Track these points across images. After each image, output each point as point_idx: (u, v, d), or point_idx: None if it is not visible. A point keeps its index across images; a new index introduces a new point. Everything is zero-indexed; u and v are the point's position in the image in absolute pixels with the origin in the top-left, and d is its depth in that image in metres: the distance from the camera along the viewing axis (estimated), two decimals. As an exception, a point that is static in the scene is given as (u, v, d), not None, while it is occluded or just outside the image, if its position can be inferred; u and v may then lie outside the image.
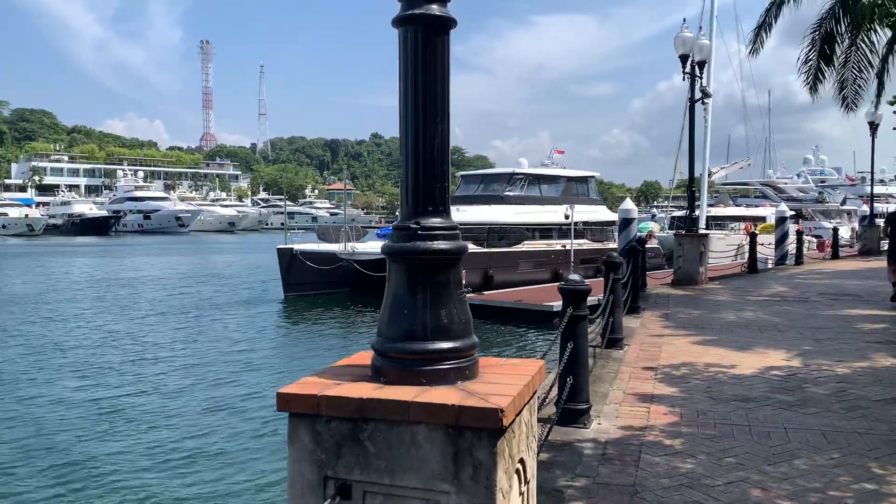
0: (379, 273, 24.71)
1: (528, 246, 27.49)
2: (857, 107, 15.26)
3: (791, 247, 25.50)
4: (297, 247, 26.27)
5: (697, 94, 15.69)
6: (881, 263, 23.37)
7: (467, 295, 15.72)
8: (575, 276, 5.76)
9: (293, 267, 25.90)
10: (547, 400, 5.57)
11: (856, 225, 49.48)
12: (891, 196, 68.40)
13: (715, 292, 14.78)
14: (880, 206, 52.02)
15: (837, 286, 15.79)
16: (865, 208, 49.44)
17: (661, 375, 7.03)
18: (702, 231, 17.13)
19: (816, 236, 39.30)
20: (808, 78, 14.41)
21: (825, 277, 18.25)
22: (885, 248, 14.31)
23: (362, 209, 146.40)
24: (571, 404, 5.29)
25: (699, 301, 13.21)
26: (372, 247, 25.96)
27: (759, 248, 20.60)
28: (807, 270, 20.90)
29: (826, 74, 14.30)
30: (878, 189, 70.90)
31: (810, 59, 14.06)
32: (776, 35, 14.98)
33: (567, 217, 26.41)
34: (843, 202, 60.02)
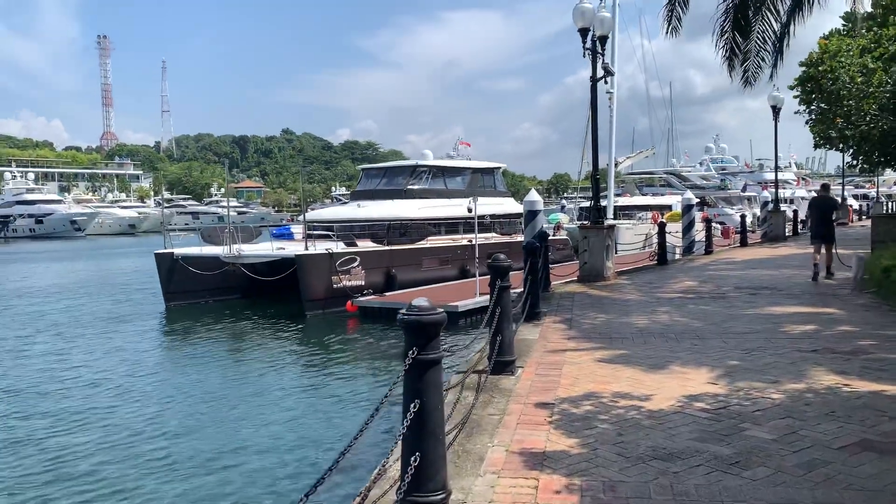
0: (271, 277, 22.73)
1: (432, 242, 25.80)
2: (754, 81, 14.22)
3: (699, 235, 24.83)
4: (177, 251, 23.75)
5: (600, 72, 14.30)
6: (790, 250, 22.89)
7: (367, 297, 13.93)
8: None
9: (175, 273, 23.41)
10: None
11: (757, 211, 50.30)
12: (786, 182, 70.49)
13: (624, 289, 13.42)
14: (779, 193, 53.06)
15: (752, 278, 14.71)
16: (766, 194, 50.32)
17: (559, 416, 5.38)
18: (609, 222, 15.77)
19: (720, 223, 39.42)
20: (725, 53, 13.19)
21: (737, 268, 17.26)
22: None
23: (273, 207, 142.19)
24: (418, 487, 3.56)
25: (607, 302, 11.76)
26: (262, 248, 23.72)
27: (667, 237, 19.62)
28: (717, 260, 19.99)
29: (742, 48, 13.12)
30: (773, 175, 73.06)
31: (726, 31, 12.82)
32: (671, 37, 13.83)
33: (470, 210, 24.85)
34: (744, 189, 61.17)
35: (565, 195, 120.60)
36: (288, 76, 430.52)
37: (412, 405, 3.46)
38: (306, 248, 21.20)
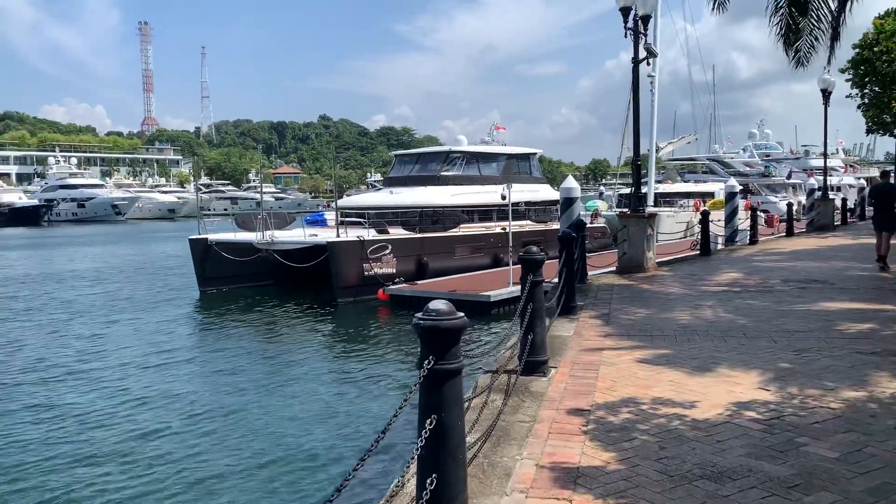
0: (303, 264, 22.51)
1: (465, 230, 25.33)
2: (807, 62, 13.44)
3: (742, 224, 24.00)
4: (211, 237, 23.69)
5: (642, 53, 13.65)
6: (839, 240, 21.98)
7: (398, 285, 13.57)
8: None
9: (209, 259, 23.37)
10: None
11: (802, 199, 48.91)
12: (833, 169, 68.48)
13: (664, 282, 12.83)
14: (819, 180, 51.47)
15: (801, 270, 14.00)
16: (812, 181, 48.80)
17: (595, 425, 4.92)
18: (649, 210, 15.14)
19: (764, 211, 38.36)
20: (779, 30, 12.45)
21: (784, 259, 16.51)
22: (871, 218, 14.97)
23: (310, 193, 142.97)
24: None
25: (647, 295, 11.22)
26: (294, 235, 23.53)
27: (710, 226, 18.90)
28: (762, 251, 19.21)
29: (797, 24, 12.37)
30: (820, 162, 70.99)
31: (781, 6, 12.07)
32: (717, 14, 13.12)
33: (504, 198, 24.31)
34: (789, 176, 59.49)
35: (604, 181, 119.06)
36: (325, 62, 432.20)
37: (428, 421, 3.05)
38: (338, 236, 20.92)
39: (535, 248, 6.42)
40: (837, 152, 79.73)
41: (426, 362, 3.05)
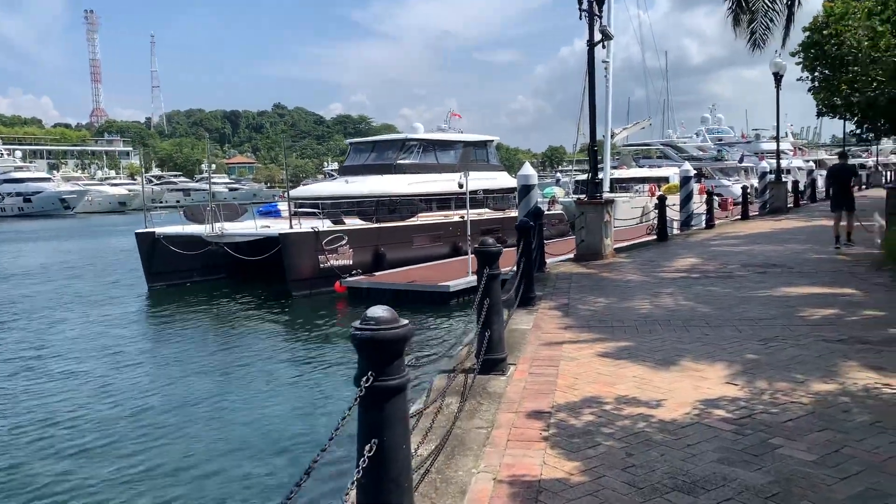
0: (256, 257, 21.88)
1: (423, 219, 24.92)
2: (763, 44, 13.36)
3: (697, 208, 24.08)
4: (159, 230, 22.89)
5: (597, 36, 13.36)
6: (793, 223, 22.12)
7: (356, 277, 13.10)
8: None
9: (156, 253, 22.58)
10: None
11: (754, 182, 49.65)
12: (783, 152, 69.64)
13: (623, 269, 12.61)
14: (772, 163, 52.34)
15: (759, 254, 13.92)
16: (764, 165, 49.52)
17: (556, 429, 4.59)
18: (606, 196, 14.90)
19: (717, 194, 38.71)
20: (731, 9, 12.27)
21: (741, 243, 16.47)
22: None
23: (265, 183, 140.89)
24: None
25: (606, 283, 10.96)
26: (246, 227, 22.85)
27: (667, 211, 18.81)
28: (719, 235, 19.18)
29: (749, 5, 12.21)
30: (770, 146, 72.19)
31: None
32: (668, 0, 12.95)
33: (461, 186, 23.93)
34: (741, 159, 60.29)
35: (560, 168, 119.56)
36: (280, 50, 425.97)
37: (368, 447, 2.66)
38: (291, 227, 20.36)
39: (490, 240, 6.06)
40: (787, 136, 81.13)
41: (364, 379, 2.66)
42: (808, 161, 73.45)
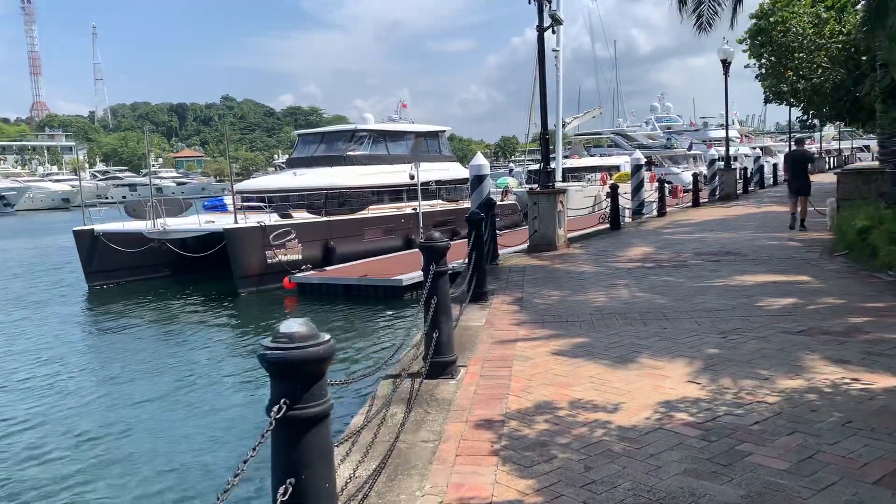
0: (200, 253, 21.11)
1: (374, 211, 24.40)
2: (710, 27, 13.24)
3: (649, 196, 24.11)
4: (98, 227, 21.94)
5: (547, 21, 13.03)
6: (743, 209, 22.21)
7: (305, 273, 12.58)
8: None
9: (96, 251, 21.63)
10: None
11: (703, 169, 50.26)
12: (730, 140, 70.72)
13: (577, 259, 12.34)
14: (720, 150, 53.14)
15: (712, 242, 13.80)
16: (713, 152, 50.13)
17: (509, 441, 4.21)
18: (559, 185, 14.62)
19: (667, 182, 39.05)
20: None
21: (693, 231, 16.38)
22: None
23: (214, 176, 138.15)
24: None
25: (560, 275, 10.65)
26: (189, 222, 22.04)
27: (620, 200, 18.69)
28: (671, 223, 19.11)
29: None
30: (718, 133, 73.37)
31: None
32: None
33: (412, 177, 23.49)
34: (690, 147, 61.06)
35: (513, 158, 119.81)
36: (227, 40, 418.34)
37: (282, 488, 2.23)
38: (235, 221, 19.68)
39: (436, 234, 5.65)
40: (733, 123, 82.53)
41: (277, 408, 2.22)
42: (754, 148, 74.81)
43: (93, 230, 21.63)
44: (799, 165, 14.98)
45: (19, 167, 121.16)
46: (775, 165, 40.07)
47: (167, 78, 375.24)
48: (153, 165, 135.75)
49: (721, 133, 73.38)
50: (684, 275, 9.98)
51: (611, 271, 10.74)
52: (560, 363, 5.84)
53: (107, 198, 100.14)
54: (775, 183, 37.45)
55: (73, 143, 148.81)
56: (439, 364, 5.54)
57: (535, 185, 14.36)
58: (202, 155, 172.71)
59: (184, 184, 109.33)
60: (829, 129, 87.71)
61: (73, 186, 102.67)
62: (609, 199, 18.10)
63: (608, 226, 17.87)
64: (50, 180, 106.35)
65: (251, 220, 19.97)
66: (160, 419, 9.70)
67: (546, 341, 6.58)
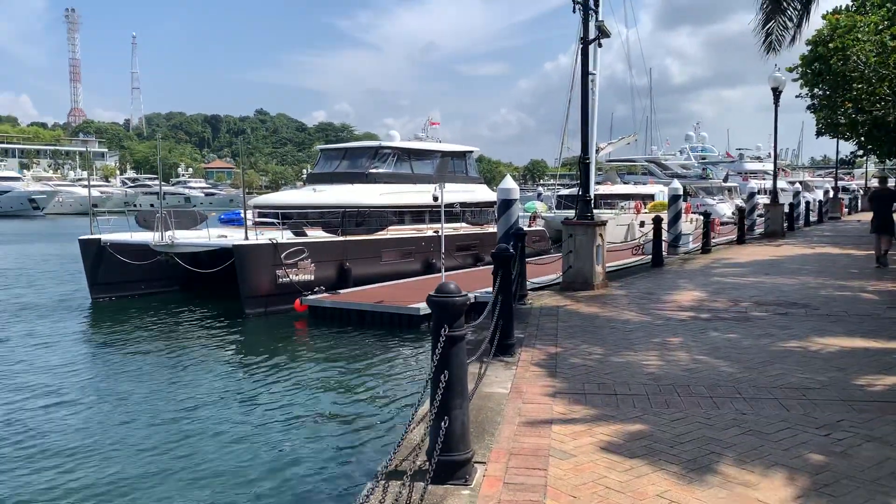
0: (210, 269, 19.85)
1: (393, 232, 23.00)
2: (780, 47, 11.97)
3: (685, 227, 22.59)
4: (105, 237, 20.80)
5: (592, 33, 11.62)
6: (794, 249, 20.43)
7: (318, 295, 11.03)
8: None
9: (102, 262, 20.48)
10: None
11: (739, 202, 48.58)
12: (766, 173, 68.89)
13: (618, 303, 10.78)
14: (757, 183, 51.39)
15: (771, 288, 12.16)
16: (752, 185, 48.29)
17: None
18: (599, 217, 13.11)
19: (704, 213, 37.44)
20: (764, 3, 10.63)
21: (746, 272, 14.73)
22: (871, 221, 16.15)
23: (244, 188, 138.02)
24: None
25: (600, 324, 9.11)
26: (200, 236, 20.80)
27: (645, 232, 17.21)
28: (717, 261, 17.43)
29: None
30: (754, 166, 71.35)
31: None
32: (652, 20, 11.58)
33: (436, 199, 22.08)
34: (726, 179, 59.22)
35: (542, 182, 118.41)
36: (263, 55, 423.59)
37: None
38: (246, 237, 18.40)
39: (452, 285, 4.15)
40: (769, 156, 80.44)
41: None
42: (792, 183, 72.65)
43: (99, 240, 20.51)
44: (883, 204, 15.38)
45: (51, 171, 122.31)
46: (820, 202, 38.12)
47: (203, 90, 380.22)
48: (183, 175, 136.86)
49: (757, 166, 71.50)
50: (749, 332, 8.39)
51: (660, 322, 9.17)
52: (612, 466, 4.31)
53: (135, 205, 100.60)
54: (820, 220, 35.50)
55: (106, 150, 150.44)
56: (448, 464, 4.04)
57: (568, 212, 12.84)
58: (232, 166, 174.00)
59: (212, 195, 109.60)
60: (870, 167, 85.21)
61: (102, 192, 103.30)
62: (648, 231, 16.52)
63: (645, 259, 16.28)
64: (80, 185, 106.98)
65: (263, 236, 18.71)
66: (146, 448, 8.33)
67: (591, 426, 5.05)
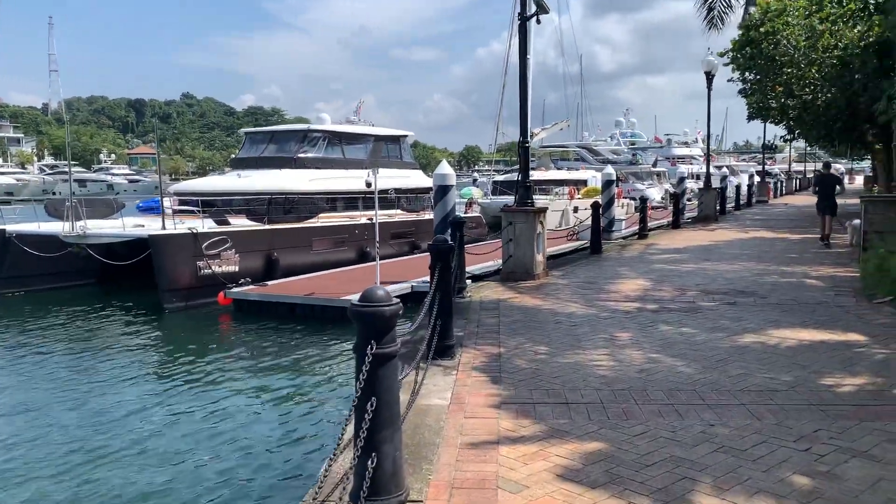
0: (126, 261, 18.53)
1: (324, 220, 22.03)
2: (723, 24, 11.70)
3: (619, 213, 22.44)
4: (9, 227, 19.24)
5: (531, 9, 10.95)
6: (729, 233, 20.31)
7: (243, 287, 9.96)
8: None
9: (8, 255, 18.91)
10: None
11: (668, 186, 49.19)
12: (693, 158, 70.15)
13: (560, 294, 10.21)
14: (686, 168, 52.14)
15: (714, 275, 11.80)
16: (682, 169, 48.83)
17: None
18: (539, 204, 12.50)
19: (633, 198, 37.74)
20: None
21: (686, 258, 14.41)
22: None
23: (169, 175, 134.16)
24: None
25: (544, 317, 8.49)
26: (112, 227, 19.40)
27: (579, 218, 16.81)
28: (654, 246, 17.09)
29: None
30: (682, 151, 72.54)
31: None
32: (582, 7, 11.10)
33: (369, 185, 21.21)
34: (655, 164, 59.93)
35: (477, 168, 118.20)
36: (190, 38, 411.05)
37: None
38: (163, 227, 17.21)
39: (381, 293, 3.38)
40: (696, 141, 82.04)
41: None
42: (720, 167, 74.11)
43: (4, 231, 18.95)
44: (827, 187, 16.58)
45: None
46: (749, 185, 38.70)
47: (126, 73, 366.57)
48: (105, 161, 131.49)
49: (685, 151, 72.69)
50: (701, 324, 7.90)
51: (607, 314, 8.60)
52: (572, 500, 3.65)
53: (54, 193, 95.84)
54: (749, 204, 36.01)
55: (22, 135, 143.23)
56: (377, 511, 3.31)
57: (512, 203, 12.19)
58: (155, 151, 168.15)
59: (137, 181, 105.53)
60: (787, 151, 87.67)
61: (18, 180, 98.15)
62: (587, 218, 16.07)
63: (581, 244, 15.86)
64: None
65: (182, 225, 17.54)
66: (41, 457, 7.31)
67: (543, 446, 4.38)
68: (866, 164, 62.54)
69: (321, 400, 9.76)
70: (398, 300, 3.40)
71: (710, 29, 11.37)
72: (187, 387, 10.64)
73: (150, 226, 18.64)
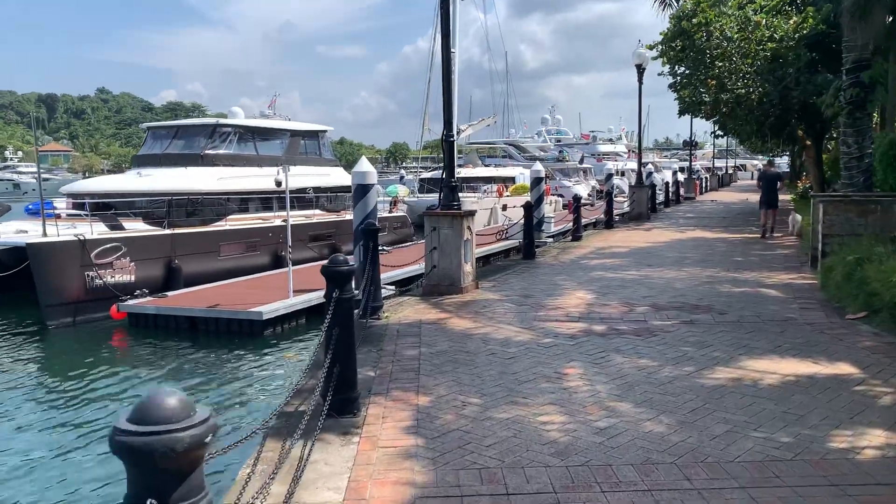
0: (12, 270, 16.31)
1: (234, 222, 20.14)
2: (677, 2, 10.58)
3: (547, 211, 21.41)
4: None
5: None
6: (666, 234, 19.29)
7: (139, 300, 8.00)
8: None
9: None
10: None
11: (594, 183, 48.97)
12: (618, 154, 70.47)
13: (493, 313, 8.79)
14: (612, 164, 51.99)
15: (661, 285, 10.60)
16: (609, 166, 48.47)
17: None
18: (467, 206, 11.01)
19: (560, 196, 37.15)
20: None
21: (627, 263, 13.23)
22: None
23: (83, 173, 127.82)
24: None
25: (474, 347, 7.04)
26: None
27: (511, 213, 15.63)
28: (592, 250, 15.89)
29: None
30: (606, 147, 72.73)
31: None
32: (506, 6, 9.81)
33: (279, 183, 19.43)
34: (581, 160, 59.70)
35: (403, 165, 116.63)
36: (105, 32, 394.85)
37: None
38: (44, 233, 15.15)
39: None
40: (621, 138, 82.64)
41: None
42: (645, 164, 74.45)
43: None
44: (770, 183, 17.62)
45: None
46: (678, 182, 38.45)
47: (35, 67, 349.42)
48: (10, 159, 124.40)
49: (610, 147, 72.79)
50: (661, 353, 6.61)
51: (549, 340, 7.21)
52: None
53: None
54: (678, 200, 35.63)
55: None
56: None
57: (436, 206, 10.69)
58: (70, 150, 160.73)
59: (46, 180, 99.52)
60: (708, 148, 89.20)
61: None
62: (519, 220, 14.73)
63: (510, 244, 14.56)
64: None
65: (69, 231, 15.51)
66: None
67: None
68: (784, 160, 63.62)
69: (223, 422, 8.17)
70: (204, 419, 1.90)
71: (663, 9, 10.22)
72: (72, 412, 8.96)
73: (34, 231, 16.50)
